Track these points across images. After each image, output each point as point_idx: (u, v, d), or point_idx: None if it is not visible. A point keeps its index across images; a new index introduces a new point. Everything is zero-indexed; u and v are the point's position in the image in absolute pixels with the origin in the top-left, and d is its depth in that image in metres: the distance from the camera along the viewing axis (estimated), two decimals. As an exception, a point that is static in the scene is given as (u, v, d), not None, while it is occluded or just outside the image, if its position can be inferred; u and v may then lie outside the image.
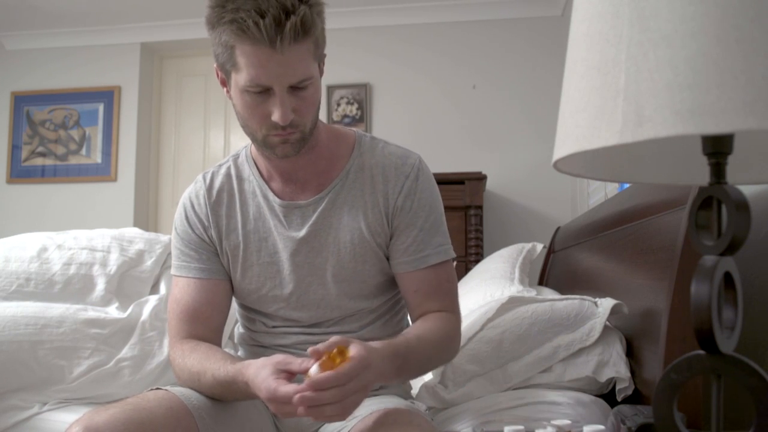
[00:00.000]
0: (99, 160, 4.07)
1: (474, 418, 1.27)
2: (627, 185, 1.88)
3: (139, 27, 4.07)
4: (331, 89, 3.84)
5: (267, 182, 1.21)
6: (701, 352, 0.61)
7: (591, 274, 1.90)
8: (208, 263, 1.21)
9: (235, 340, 1.36)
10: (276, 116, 1.05)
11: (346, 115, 3.84)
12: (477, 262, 2.73)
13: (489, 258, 2.29)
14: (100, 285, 1.66)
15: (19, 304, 1.56)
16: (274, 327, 1.24)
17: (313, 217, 1.18)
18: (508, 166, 3.66)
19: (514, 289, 1.77)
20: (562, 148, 0.62)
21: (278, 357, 0.97)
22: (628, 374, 1.31)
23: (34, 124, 4.14)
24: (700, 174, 0.74)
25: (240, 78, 1.04)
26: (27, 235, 1.82)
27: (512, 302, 1.43)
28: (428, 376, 1.40)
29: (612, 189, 2.68)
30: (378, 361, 0.94)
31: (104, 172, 4.05)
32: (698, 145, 0.63)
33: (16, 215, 4.05)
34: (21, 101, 4.16)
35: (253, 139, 1.13)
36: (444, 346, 1.16)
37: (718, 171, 0.61)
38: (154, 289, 1.76)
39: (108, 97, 4.08)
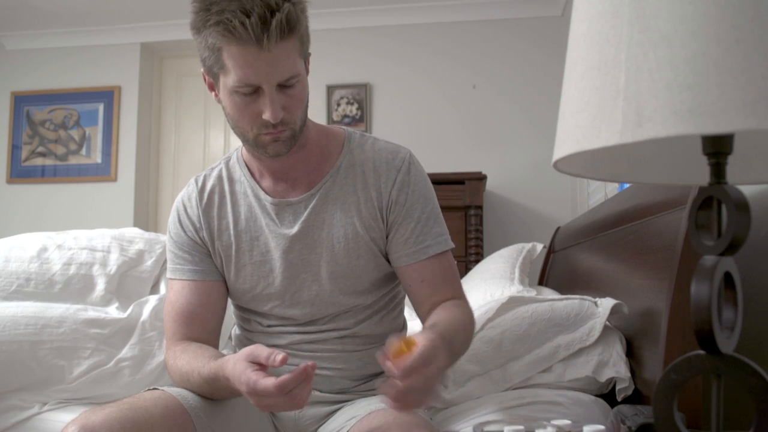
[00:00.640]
0: (99, 160, 4.07)
1: (474, 418, 1.27)
2: (627, 185, 1.88)
3: (139, 27, 4.07)
4: (331, 89, 3.84)
5: (258, 182, 1.22)
6: (701, 352, 0.61)
7: (591, 274, 1.90)
8: (202, 265, 1.21)
9: (233, 342, 1.36)
10: (267, 115, 1.05)
11: (346, 115, 3.84)
12: (477, 262, 2.74)
13: (489, 258, 2.29)
14: (100, 285, 1.66)
15: (19, 304, 1.56)
16: (269, 326, 1.24)
17: (305, 214, 1.18)
18: (508, 166, 3.66)
19: (514, 289, 1.77)
20: (562, 148, 0.62)
21: (248, 349, 0.96)
22: (628, 374, 1.31)
23: (34, 124, 4.14)
24: (700, 174, 0.74)
25: (228, 80, 1.05)
26: (27, 235, 1.81)
27: (512, 302, 1.43)
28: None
29: (612, 189, 2.68)
30: (440, 343, 0.93)
31: (104, 172, 4.05)
32: (698, 145, 0.63)
33: (16, 215, 4.05)
34: (21, 101, 4.16)
35: (245, 140, 1.14)
36: (470, 332, 1.16)
37: (718, 171, 0.61)
38: (154, 289, 1.76)
39: (108, 97, 4.08)
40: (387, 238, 1.19)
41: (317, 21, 3.60)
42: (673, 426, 0.63)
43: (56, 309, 1.55)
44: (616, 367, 1.31)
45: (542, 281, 2.74)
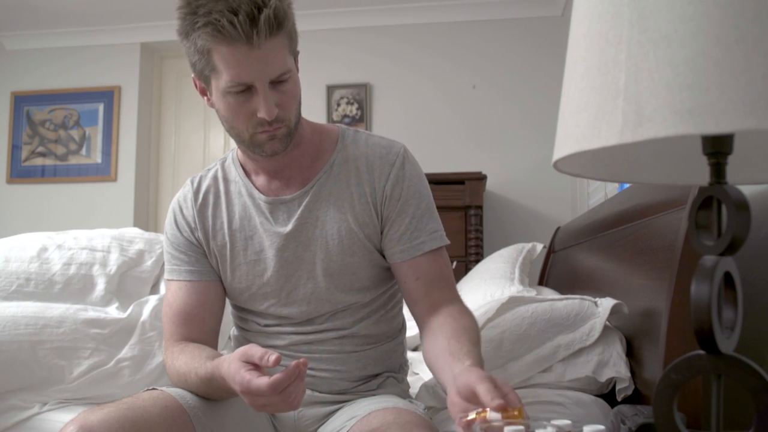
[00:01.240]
0: (99, 160, 4.07)
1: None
2: (627, 185, 1.88)
3: (139, 27, 4.07)
4: (331, 89, 3.84)
5: (252, 181, 1.22)
6: (701, 352, 0.61)
7: (591, 274, 1.90)
8: (198, 265, 1.21)
9: (232, 342, 1.36)
10: (261, 112, 1.05)
11: (346, 115, 3.84)
12: (477, 262, 2.74)
13: (489, 258, 2.29)
14: (100, 285, 1.66)
15: (19, 304, 1.56)
16: (266, 326, 1.24)
17: (299, 212, 1.18)
18: (508, 166, 3.66)
19: (514, 289, 1.77)
20: (562, 148, 0.62)
21: (242, 349, 0.96)
22: (628, 374, 1.31)
23: (34, 124, 4.14)
24: (700, 174, 0.74)
25: (220, 81, 1.05)
26: (27, 235, 1.81)
27: (512, 302, 1.43)
28: (428, 376, 1.40)
29: (612, 189, 2.68)
30: (487, 375, 0.87)
31: (104, 172, 4.05)
32: (698, 145, 0.63)
33: (16, 215, 4.05)
34: (21, 101, 4.16)
35: (240, 141, 1.14)
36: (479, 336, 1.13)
37: (718, 171, 0.61)
38: (154, 289, 1.77)
39: (108, 97, 4.08)
40: (381, 233, 1.19)
41: (318, 21, 3.61)
42: (673, 426, 0.63)
43: (56, 309, 1.55)
44: (616, 367, 1.31)
45: (542, 281, 2.74)
